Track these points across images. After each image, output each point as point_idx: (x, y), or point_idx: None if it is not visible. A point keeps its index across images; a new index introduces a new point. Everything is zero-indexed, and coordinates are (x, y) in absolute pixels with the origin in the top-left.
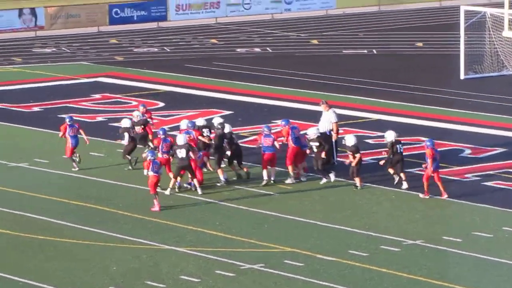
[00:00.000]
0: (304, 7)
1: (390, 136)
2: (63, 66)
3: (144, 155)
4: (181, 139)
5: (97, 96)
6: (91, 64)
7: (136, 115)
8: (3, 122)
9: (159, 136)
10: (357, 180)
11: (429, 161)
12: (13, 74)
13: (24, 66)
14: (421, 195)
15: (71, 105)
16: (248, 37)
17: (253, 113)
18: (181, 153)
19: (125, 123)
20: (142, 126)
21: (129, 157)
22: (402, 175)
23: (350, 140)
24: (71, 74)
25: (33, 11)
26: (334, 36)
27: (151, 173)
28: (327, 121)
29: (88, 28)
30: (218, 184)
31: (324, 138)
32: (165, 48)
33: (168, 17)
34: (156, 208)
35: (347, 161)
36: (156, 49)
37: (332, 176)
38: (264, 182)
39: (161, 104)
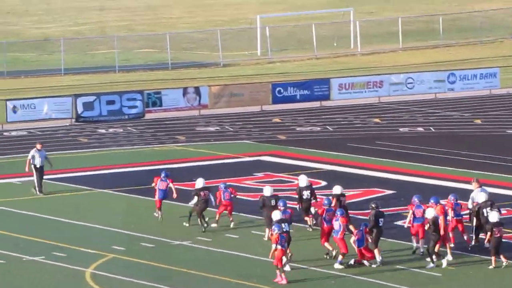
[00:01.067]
0: (468, 87)
1: None
2: (226, 145)
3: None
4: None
5: (260, 174)
6: (254, 142)
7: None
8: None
9: (279, 207)
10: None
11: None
12: (177, 152)
13: (187, 145)
14: None
15: (234, 183)
16: (411, 116)
17: (415, 193)
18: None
19: (199, 183)
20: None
21: (192, 216)
22: None
23: (493, 216)
24: (234, 153)
25: (197, 90)
26: (498, 116)
27: (278, 247)
28: (478, 198)
29: (251, 107)
30: (374, 266)
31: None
32: (327, 127)
33: (331, 96)
34: (283, 281)
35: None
36: (319, 128)
37: (444, 262)
38: (417, 250)
39: (323, 183)
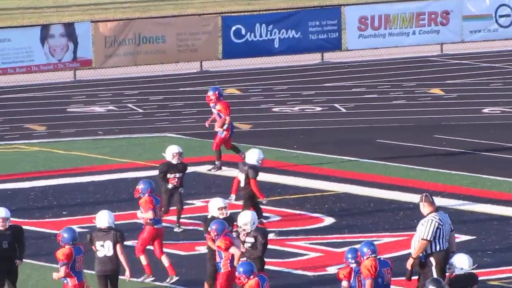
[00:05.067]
0: None
1: None
2: (130, 143)
3: None
4: None
5: (198, 202)
6: (187, 137)
7: None
8: None
9: None
10: None
11: None
12: (32, 157)
13: (50, 142)
14: None
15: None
16: (506, 82)
17: None
18: None
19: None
20: None
21: None
22: None
23: None
24: (147, 159)
25: (69, 30)
26: None
27: None
28: None
29: (181, 64)
30: None
31: None
32: (336, 105)
33: (344, 43)
34: None
35: None
36: (319, 108)
37: None
38: None
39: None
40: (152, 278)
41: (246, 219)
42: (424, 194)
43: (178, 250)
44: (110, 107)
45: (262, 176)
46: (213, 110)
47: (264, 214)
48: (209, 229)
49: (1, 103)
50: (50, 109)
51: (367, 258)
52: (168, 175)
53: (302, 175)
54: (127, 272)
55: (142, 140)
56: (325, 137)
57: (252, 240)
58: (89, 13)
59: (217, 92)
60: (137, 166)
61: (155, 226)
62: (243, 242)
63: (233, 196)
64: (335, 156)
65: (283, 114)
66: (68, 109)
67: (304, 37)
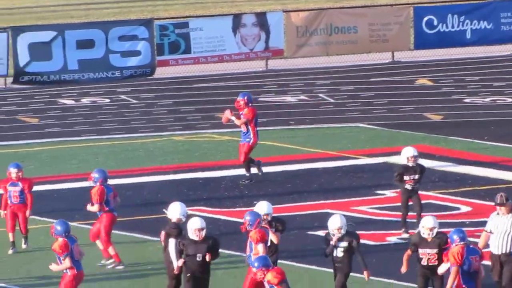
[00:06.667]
0: None
1: None
2: (320, 132)
3: None
4: None
5: (389, 193)
6: (377, 127)
7: None
8: None
9: None
10: None
11: None
12: (211, 146)
13: (230, 131)
14: None
15: (335, 211)
16: None
17: None
18: None
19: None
20: None
21: None
22: None
23: None
24: (338, 149)
25: (261, 19)
26: None
27: None
28: None
29: (372, 54)
30: None
31: None
32: None
33: None
34: None
35: None
36: None
37: None
38: None
39: None
40: (122, 266)
41: (337, 223)
42: None
43: (369, 240)
44: (302, 97)
45: (452, 168)
46: (241, 116)
47: (454, 205)
48: (243, 219)
49: (193, 92)
50: None
51: (456, 245)
52: (405, 177)
53: (493, 166)
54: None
55: (333, 130)
56: None
57: (345, 244)
58: (281, 2)
59: (246, 98)
60: (328, 156)
61: (114, 213)
62: (335, 247)
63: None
64: None
65: (474, 105)
66: (259, 99)
67: (495, 28)
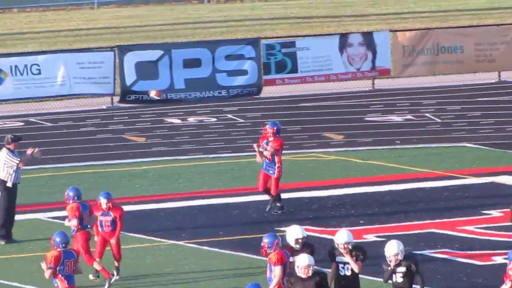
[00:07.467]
0: None
1: None
2: (423, 152)
3: None
4: None
5: (495, 213)
6: (486, 147)
7: None
8: None
9: None
10: None
11: None
12: (324, 165)
13: (343, 151)
14: None
15: (439, 231)
16: None
17: None
18: None
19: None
20: None
21: None
22: None
23: None
24: (443, 168)
25: (367, 39)
26: None
27: None
28: None
29: (479, 74)
30: None
31: None
32: None
33: None
34: None
35: None
36: None
37: None
38: None
39: None
40: (117, 277)
41: (394, 249)
42: None
43: (474, 260)
44: (408, 116)
45: None
46: (268, 145)
47: None
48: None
49: (299, 112)
50: (348, 117)
51: None
52: None
53: None
54: None
55: (440, 150)
56: None
57: (403, 269)
58: (387, 22)
59: (275, 128)
60: (435, 176)
61: (87, 230)
62: (394, 272)
63: None
64: None
65: None
66: (365, 118)
67: None
